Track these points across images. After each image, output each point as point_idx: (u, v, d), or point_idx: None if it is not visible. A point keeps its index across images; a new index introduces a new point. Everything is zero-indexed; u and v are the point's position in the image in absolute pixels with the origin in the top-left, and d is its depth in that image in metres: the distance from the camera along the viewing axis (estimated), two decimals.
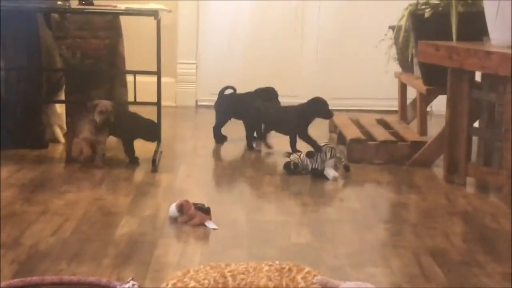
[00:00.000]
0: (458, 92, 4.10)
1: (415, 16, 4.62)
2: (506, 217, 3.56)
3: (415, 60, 4.79)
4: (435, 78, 4.45)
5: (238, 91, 5.15)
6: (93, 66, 4.93)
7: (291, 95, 6.20)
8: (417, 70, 4.77)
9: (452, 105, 4.12)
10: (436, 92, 4.63)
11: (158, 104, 4.42)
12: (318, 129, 5.38)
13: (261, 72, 6.19)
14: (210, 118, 5.84)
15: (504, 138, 3.86)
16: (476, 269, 2.90)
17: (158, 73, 4.39)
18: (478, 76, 4.22)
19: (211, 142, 4.96)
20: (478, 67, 3.92)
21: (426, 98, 4.79)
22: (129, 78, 4.83)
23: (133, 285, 2.52)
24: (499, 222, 3.49)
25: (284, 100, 6.20)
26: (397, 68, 5.24)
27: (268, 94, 4.96)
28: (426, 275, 2.84)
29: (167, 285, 2.45)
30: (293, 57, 6.22)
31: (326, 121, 5.37)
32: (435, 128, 4.94)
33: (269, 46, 6.20)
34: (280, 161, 4.28)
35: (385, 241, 3.23)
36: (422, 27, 4.56)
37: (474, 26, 4.28)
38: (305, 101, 4.56)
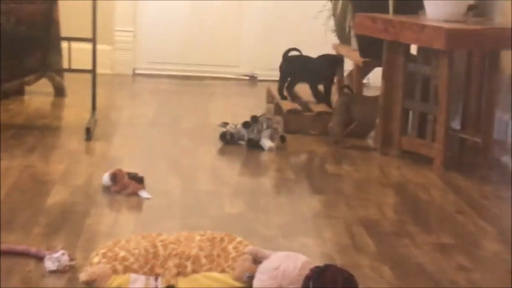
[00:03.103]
0: (393, 64, 4.12)
1: None
2: (437, 188, 3.62)
3: (352, 32, 4.81)
4: (371, 51, 4.47)
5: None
6: (27, 32, 4.84)
7: (231, 65, 6.19)
8: (354, 42, 4.79)
9: (387, 78, 4.15)
10: (372, 65, 4.65)
11: (93, 71, 4.36)
12: (255, 100, 5.38)
13: (200, 41, 6.15)
14: (147, 86, 5.80)
15: (437, 111, 3.91)
16: (406, 240, 2.95)
17: (93, 40, 4.33)
18: (414, 50, 4.26)
19: (147, 111, 4.92)
20: (413, 40, 3.95)
21: (362, 70, 4.81)
22: (64, 44, 4.75)
23: (62, 254, 2.49)
24: (430, 194, 3.54)
25: (224, 69, 6.20)
26: (335, 39, 5.25)
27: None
28: (357, 245, 2.87)
29: (97, 254, 2.44)
30: (233, 27, 6.18)
31: (263, 92, 5.37)
32: None
33: (209, 15, 6.15)
34: (216, 131, 4.27)
35: (318, 212, 3.26)
36: (359, 0, 4.57)
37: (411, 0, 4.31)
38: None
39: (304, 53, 4.89)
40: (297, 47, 4.93)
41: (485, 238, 3.03)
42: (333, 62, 4.75)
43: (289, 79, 4.84)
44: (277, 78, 4.93)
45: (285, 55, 4.89)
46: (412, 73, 4.10)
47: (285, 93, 4.84)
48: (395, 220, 3.18)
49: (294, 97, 4.85)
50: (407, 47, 4.11)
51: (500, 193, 3.60)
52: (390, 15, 4.27)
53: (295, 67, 4.82)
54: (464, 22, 4.00)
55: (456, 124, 4.35)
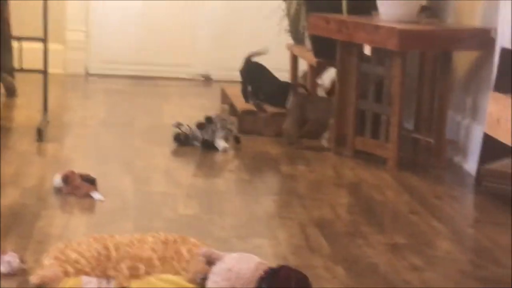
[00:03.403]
0: (347, 65, 4.14)
1: None
2: (390, 189, 3.64)
3: (306, 33, 4.82)
4: (325, 51, 4.47)
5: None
6: None
7: (185, 65, 6.17)
8: (308, 42, 4.79)
9: (341, 78, 4.17)
10: (326, 65, 4.66)
11: (44, 71, 4.31)
12: (210, 100, 5.36)
13: (154, 41, 6.12)
14: (100, 86, 5.75)
15: (391, 112, 3.93)
16: (360, 240, 2.95)
17: (45, 40, 4.28)
18: (368, 50, 4.28)
19: (100, 112, 4.88)
20: (366, 40, 3.96)
21: (316, 71, 4.82)
22: (15, 44, 4.69)
23: (13, 257, 2.45)
24: (384, 194, 3.56)
25: (178, 69, 6.17)
26: (289, 40, 5.25)
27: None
28: (311, 246, 2.87)
29: (48, 257, 2.40)
30: (187, 26, 6.15)
31: (218, 92, 5.36)
32: None
33: (163, 15, 6.12)
34: (170, 131, 4.24)
35: (273, 213, 3.25)
36: (313, 0, 4.57)
37: (364, 0, 4.33)
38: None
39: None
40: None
41: (438, 237, 3.06)
42: (286, 91, 4.68)
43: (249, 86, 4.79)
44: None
45: (248, 61, 4.82)
46: (365, 73, 4.11)
47: (250, 100, 4.78)
48: (349, 220, 3.19)
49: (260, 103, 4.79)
50: (361, 48, 4.12)
51: (452, 193, 3.63)
52: (344, 16, 4.28)
53: (254, 78, 4.77)
54: (417, 23, 4.03)
55: (409, 125, 4.38)
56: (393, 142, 3.91)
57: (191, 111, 4.89)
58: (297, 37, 5.09)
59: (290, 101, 4.38)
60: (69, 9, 6.00)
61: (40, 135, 4.07)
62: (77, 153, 3.93)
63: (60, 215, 3.06)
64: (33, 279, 2.32)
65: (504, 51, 3.68)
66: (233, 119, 4.66)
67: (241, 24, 6.10)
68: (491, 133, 3.48)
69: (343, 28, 4.03)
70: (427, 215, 3.29)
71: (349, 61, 4.13)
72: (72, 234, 2.81)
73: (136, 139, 4.28)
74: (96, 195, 3.25)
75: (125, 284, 2.34)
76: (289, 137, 4.29)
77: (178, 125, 4.23)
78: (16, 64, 4.72)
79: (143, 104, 5.24)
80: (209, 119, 4.21)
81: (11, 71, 5.05)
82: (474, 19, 4.10)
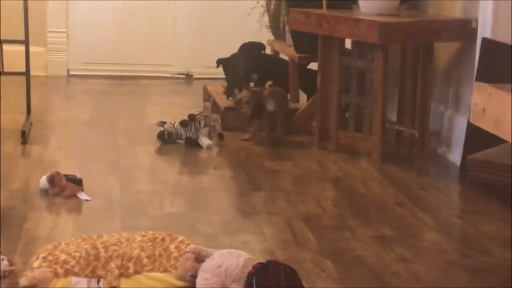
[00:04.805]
0: (328, 59, 4.15)
1: None
2: (375, 181, 3.65)
3: (287, 28, 4.82)
4: (306, 46, 4.48)
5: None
6: None
7: (166, 64, 6.16)
8: (289, 37, 4.80)
9: (323, 73, 4.18)
10: (308, 60, 4.66)
11: (27, 74, 4.30)
12: (192, 98, 5.36)
13: (134, 40, 6.10)
14: (82, 87, 5.74)
15: (373, 105, 3.94)
16: (346, 233, 2.97)
17: (26, 42, 4.27)
18: (349, 44, 4.29)
19: (83, 113, 4.87)
20: (347, 34, 3.98)
21: (298, 66, 4.83)
22: None
23: (1, 259, 2.45)
24: (368, 186, 3.57)
25: (159, 68, 6.17)
26: (269, 36, 5.26)
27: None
28: (298, 240, 2.89)
29: (37, 258, 2.41)
30: (166, 25, 6.14)
31: (200, 90, 5.36)
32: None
33: (142, 14, 6.11)
34: (154, 130, 4.24)
35: (259, 208, 3.26)
36: None
37: None
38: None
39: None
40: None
41: (424, 229, 3.08)
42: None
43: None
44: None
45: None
46: (347, 67, 4.13)
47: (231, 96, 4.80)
48: (335, 214, 3.20)
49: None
50: (342, 42, 4.14)
51: (437, 184, 3.65)
52: (324, 10, 4.29)
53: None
54: (398, 15, 4.04)
55: (392, 117, 4.40)
56: (376, 135, 3.93)
57: (173, 110, 4.89)
58: (278, 32, 5.10)
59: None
60: (49, 11, 5.98)
61: (24, 137, 4.06)
62: (61, 154, 3.92)
63: (47, 217, 3.05)
64: (23, 281, 2.32)
65: (485, 41, 3.71)
66: (216, 116, 4.67)
67: (221, 21, 6.10)
68: (476, 123, 3.49)
69: (324, 23, 4.04)
70: (413, 206, 3.31)
71: (331, 56, 4.14)
72: (59, 235, 2.81)
73: (120, 139, 4.28)
74: (82, 196, 3.25)
75: (114, 284, 2.34)
76: (262, 142, 4.24)
77: (162, 123, 4.23)
78: None
79: (126, 103, 5.23)
80: (192, 117, 4.21)
81: None
82: (454, 10, 4.12)
